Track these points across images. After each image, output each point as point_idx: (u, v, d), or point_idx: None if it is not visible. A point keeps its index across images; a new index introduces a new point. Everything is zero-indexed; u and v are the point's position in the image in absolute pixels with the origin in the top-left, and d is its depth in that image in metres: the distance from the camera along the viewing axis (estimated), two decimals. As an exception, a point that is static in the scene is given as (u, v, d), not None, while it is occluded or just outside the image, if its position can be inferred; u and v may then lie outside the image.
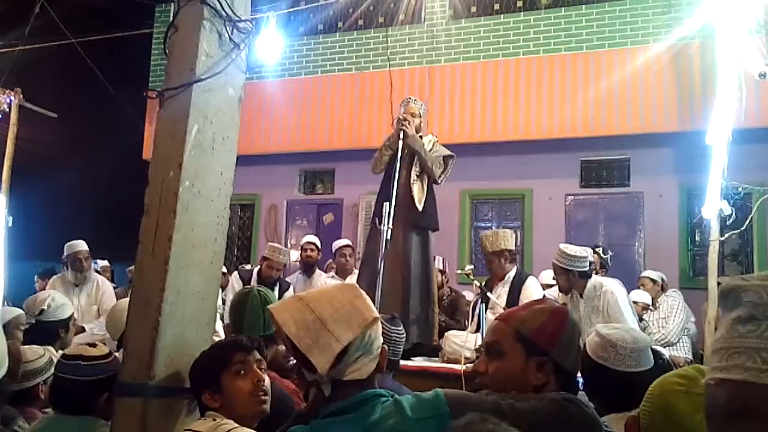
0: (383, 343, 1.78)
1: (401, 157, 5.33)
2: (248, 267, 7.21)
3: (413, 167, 5.50)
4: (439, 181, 5.53)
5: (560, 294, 5.26)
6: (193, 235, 2.48)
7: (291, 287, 6.21)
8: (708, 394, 0.78)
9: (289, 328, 1.67)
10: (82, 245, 6.27)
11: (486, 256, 5.60)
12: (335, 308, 1.68)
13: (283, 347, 2.82)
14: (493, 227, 9.42)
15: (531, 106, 8.74)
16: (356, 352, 1.68)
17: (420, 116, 5.60)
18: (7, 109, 8.26)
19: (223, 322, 4.84)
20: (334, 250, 6.87)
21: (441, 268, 6.23)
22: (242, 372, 2.19)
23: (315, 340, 1.64)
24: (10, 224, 8.02)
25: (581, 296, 4.93)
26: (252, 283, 6.03)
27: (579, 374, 2.53)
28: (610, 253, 7.03)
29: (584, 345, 2.34)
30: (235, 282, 6.02)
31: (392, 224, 5.02)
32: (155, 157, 2.52)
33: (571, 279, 4.89)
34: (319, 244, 6.99)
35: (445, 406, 1.59)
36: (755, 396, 0.71)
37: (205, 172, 2.54)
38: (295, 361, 1.77)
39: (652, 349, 2.38)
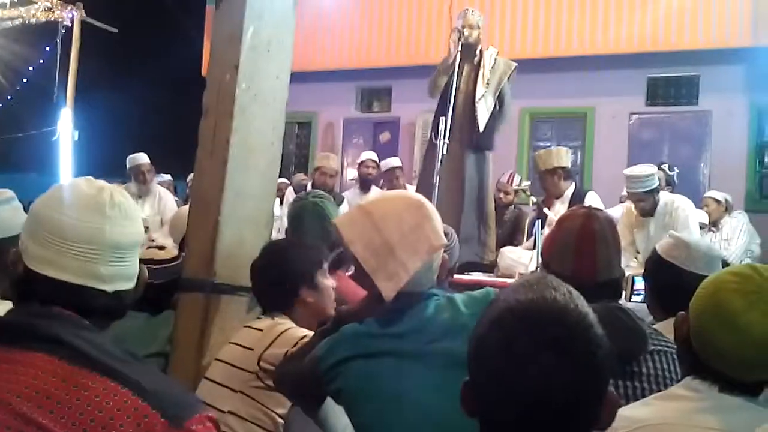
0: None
1: (458, 74, 5.22)
2: (303, 176, 7.29)
3: (479, 82, 5.36)
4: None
5: (625, 212, 5.15)
6: (250, 138, 2.52)
7: (345, 200, 6.27)
8: None
9: (355, 247, 1.66)
10: (144, 158, 6.43)
11: (540, 175, 5.52)
12: (403, 232, 1.65)
13: None
14: (553, 147, 9.22)
15: (597, 19, 8.38)
16: (419, 274, 1.68)
17: (478, 28, 5.42)
18: (70, 24, 8.34)
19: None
20: (383, 170, 6.84)
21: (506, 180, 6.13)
22: (327, 275, 2.31)
23: (382, 265, 1.64)
24: (76, 138, 8.26)
25: (652, 215, 4.84)
26: (307, 196, 6.11)
27: (643, 276, 2.62)
28: (676, 170, 6.80)
29: (654, 249, 2.35)
30: (289, 195, 6.19)
31: (449, 140, 4.97)
32: (212, 60, 2.55)
33: (653, 198, 4.80)
34: (378, 161, 7.01)
35: None
36: None
37: (261, 75, 2.55)
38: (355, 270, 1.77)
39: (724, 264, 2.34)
